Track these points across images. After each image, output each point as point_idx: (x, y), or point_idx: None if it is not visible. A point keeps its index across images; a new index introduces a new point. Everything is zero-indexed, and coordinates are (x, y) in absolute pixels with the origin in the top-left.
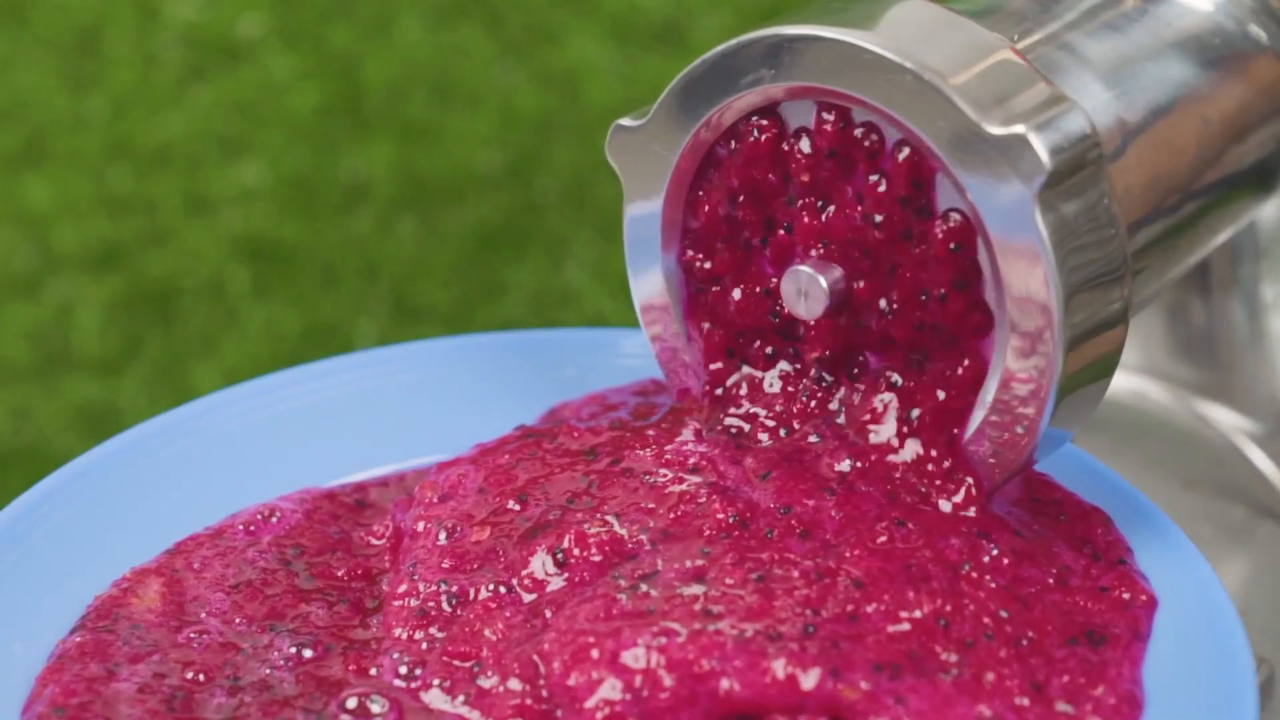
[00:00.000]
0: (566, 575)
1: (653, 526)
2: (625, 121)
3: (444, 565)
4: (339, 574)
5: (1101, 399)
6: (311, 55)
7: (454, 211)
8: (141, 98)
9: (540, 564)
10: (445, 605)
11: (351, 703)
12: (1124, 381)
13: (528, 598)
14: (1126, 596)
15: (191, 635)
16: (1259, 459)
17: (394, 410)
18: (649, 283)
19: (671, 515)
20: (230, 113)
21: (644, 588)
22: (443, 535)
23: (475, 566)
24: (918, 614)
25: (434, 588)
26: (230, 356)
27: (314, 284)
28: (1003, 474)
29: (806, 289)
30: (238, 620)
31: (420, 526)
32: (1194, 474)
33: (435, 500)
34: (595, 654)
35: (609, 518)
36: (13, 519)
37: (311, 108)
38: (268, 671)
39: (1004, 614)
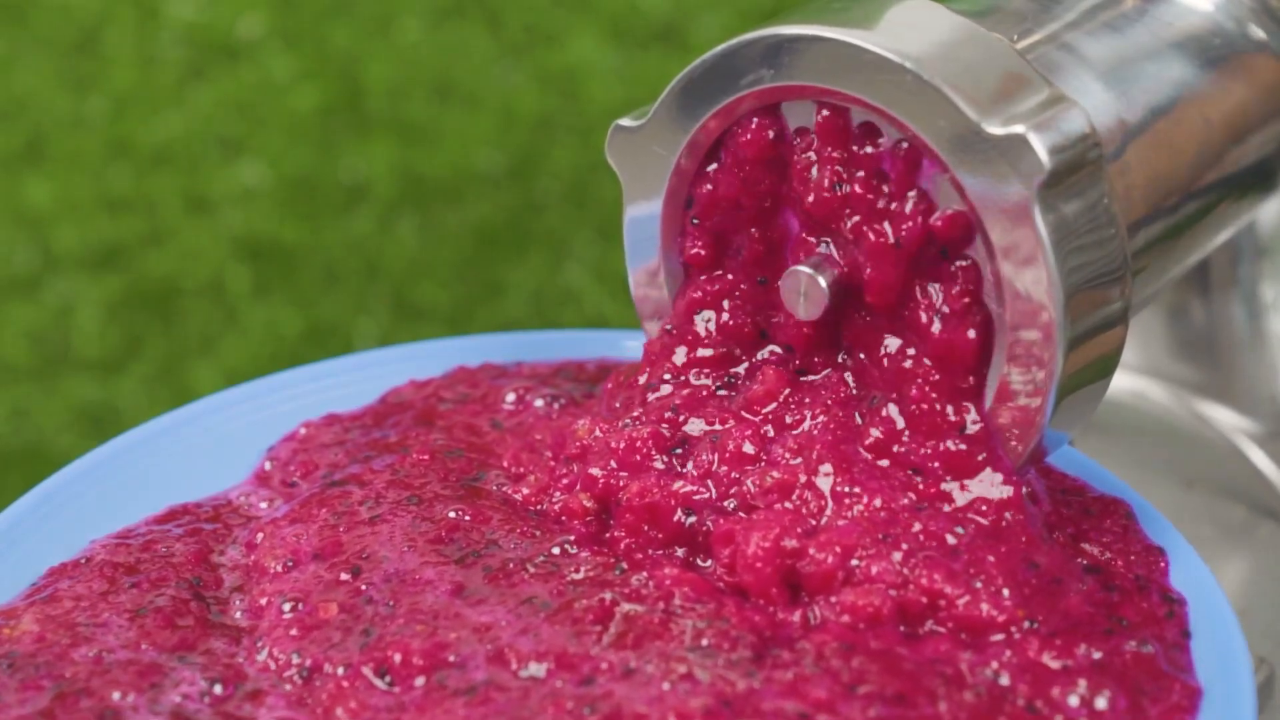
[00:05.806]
0: (400, 689)
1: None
2: (625, 121)
3: (292, 634)
4: (236, 614)
5: (1101, 399)
6: (311, 55)
7: (454, 211)
8: (141, 98)
9: (381, 673)
10: (298, 678)
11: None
12: (1124, 381)
13: (380, 684)
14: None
15: (101, 654)
16: (1259, 459)
17: None
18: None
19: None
20: (230, 113)
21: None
22: (287, 607)
23: (326, 641)
24: None
25: (286, 658)
26: (230, 356)
27: (314, 284)
28: None
29: (806, 289)
30: (144, 646)
31: (264, 601)
32: (1194, 474)
33: (280, 570)
34: None
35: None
36: (12, 520)
37: (311, 108)
38: (179, 700)
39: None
